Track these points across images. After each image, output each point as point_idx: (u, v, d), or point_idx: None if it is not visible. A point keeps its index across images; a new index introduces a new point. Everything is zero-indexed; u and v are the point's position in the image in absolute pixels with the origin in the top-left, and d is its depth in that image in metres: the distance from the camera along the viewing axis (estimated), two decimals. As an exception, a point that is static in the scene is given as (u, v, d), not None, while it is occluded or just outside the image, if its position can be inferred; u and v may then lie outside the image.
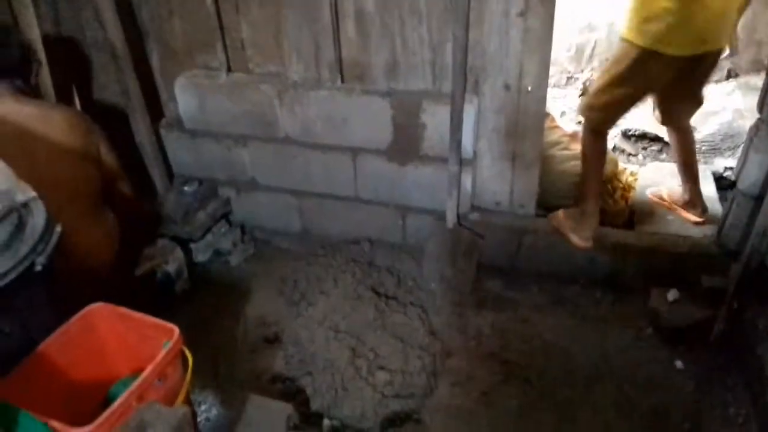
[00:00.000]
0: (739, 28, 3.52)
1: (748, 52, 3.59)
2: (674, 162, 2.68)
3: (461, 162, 2.33)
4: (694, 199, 2.59)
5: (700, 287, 2.22)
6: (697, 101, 2.47)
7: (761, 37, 3.53)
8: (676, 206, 2.65)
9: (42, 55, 2.46)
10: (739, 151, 2.94)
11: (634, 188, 2.72)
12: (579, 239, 2.37)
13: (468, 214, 2.51)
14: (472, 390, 2.09)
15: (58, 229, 1.66)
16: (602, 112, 2.30)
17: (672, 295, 2.24)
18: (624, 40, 2.16)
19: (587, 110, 2.36)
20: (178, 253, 2.49)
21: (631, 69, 2.15)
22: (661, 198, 2.72)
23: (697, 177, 2.60)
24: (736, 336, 2.08)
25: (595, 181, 2.40)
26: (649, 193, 2.72)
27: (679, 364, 2.11)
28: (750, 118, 3.05)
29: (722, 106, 3.26)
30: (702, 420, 1.92)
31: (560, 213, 2.46)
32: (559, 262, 2.47)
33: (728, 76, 3.60)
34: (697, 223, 2.52)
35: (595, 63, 3.94)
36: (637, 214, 2.61)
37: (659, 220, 2.52)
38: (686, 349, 2.15)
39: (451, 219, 2.43)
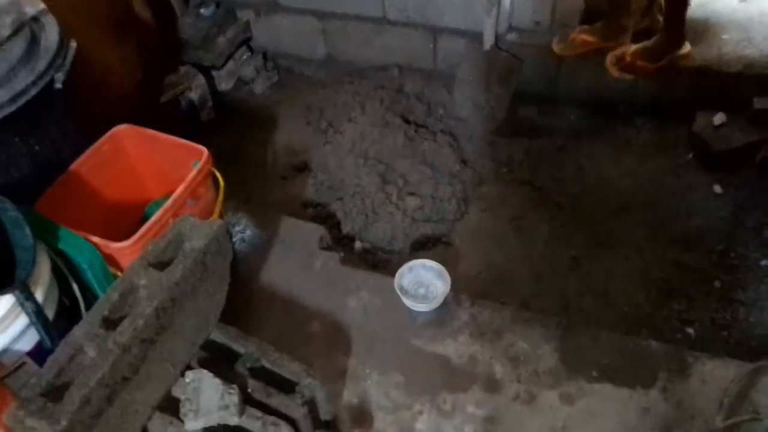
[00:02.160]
0: None
1: None
2: None
3: (502, -28, 2.10)
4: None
5: (750, 110, 2.10)
6: None
7: None
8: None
9: None
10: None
11: (689, 4, 2.46)
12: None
13: (505, 34, 2.33)
14: (503, 215, 2.09)
15: (74, 44, 1.59)
16: None
17: (718, 118, 2.12)
18: None
19: None
20: (201, 80, 2.41)
21: None
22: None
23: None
24: (783, 161, 2.00)
25: None
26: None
27: (717, 188, 2.05)
28: None
29: None
30: (735, 241, 1.91)
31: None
32: (600, 87, 2.33)
33: None
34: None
35: None
36: (688, 32, 2.39)
37: (713, 37, 2.31)
38: (727, 174, 2.08)
39: (488, 40, 2.26)
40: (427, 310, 1.65)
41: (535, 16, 2.30)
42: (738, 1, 2.45)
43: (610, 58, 2.23)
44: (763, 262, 1.85)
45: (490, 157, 2.27)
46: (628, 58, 2.21)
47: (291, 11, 2.56)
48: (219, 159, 2.11)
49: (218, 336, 1.38)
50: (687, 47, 2.19)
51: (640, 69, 2.19)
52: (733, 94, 2.15)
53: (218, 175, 1.70)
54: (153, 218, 1.48)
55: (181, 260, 1.26)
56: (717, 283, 1.82)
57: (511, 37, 2.33)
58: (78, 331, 1.16)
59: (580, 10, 2.26)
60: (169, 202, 1.53)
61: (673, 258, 1.90)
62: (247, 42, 2.68)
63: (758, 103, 2.07)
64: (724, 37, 2.31)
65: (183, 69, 2.42)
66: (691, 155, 2.17)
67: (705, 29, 2.33)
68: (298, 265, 1.78)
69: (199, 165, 1.61)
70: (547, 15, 2.29)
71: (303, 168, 2.31)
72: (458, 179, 2.17)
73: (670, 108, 2.28)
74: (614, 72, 2.22)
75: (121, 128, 1.72)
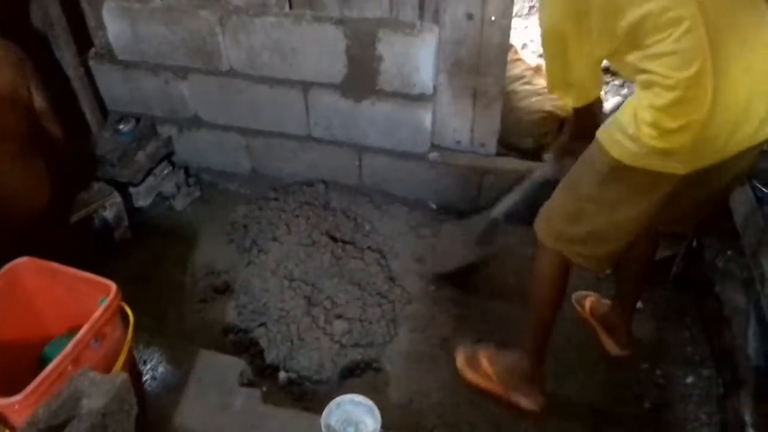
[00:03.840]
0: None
1: None
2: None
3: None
4: (619, 328, 1.92)
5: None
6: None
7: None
8: (595, 324, 2.01)
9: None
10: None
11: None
12: (528, 403, 1.78)
13: (427, 153, 2.39)
14: (432, 336, 2.04)
15: (-31, 176, 1.46)
16: (586, 245, 1.50)
17: (632, 234, 2.21)
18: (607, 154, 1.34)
19: (557, 240, 1.55)
20: (116, 197, 2.30)
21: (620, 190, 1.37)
22: (582, 306, 2.09)
23: (635, 305, 1.93)
24: (695, 276, 2.08)
25: (546, 328, 1.72)
26: (574, 298, 2.11)
27: (638, 304, 2.10)
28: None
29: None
30: (660, 359, 1.93)
31: (484, 360, 1.87)
32: (519, 203, 2.39)
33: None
34: (617, 357, 1.92)
35: (558, -8, 3.77)
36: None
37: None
38: (646, 289, 2.14)
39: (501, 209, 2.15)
40: (357, 452, 1.53)
41: (456, 135, 2.39)
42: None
43: None
44: (689, 380, 1.87)
45: (418, 274, 2.25)
46: None
47: (215, 127, 2.54)
48: (132, 281, 1.98)
49: (118, 508, 1.21)
50: None
51: None
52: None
53: (128, 310, 1.57)
54: (48, 369, 1.32)
55: (76, 425, 1.12)
56: (647, 404, 1.82)
57: (433, 156, 2.39)
58: None
59: (497, 131, 2.35)
60: (69, 347, 1.38)
61: (603, 378, 1.89)
62: (168, 157, 2.62)
63: (667, 219, 2.18)
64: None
65: (97, 186, 2.31)
66: (609, 270, 2.23)
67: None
68: (215, 406, 1.64)
69: (106, 302, 1.48)
70: (466, 134, 2.38)
71: (224, 290, 2.20)
72: (387, 299, 2.12)
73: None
74: None
75: (20, 262, 1.58)
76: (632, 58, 1.28)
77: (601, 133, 1.36)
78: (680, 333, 2.01)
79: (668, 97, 1.20)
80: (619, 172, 1.32)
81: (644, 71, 1.26)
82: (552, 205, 1.55)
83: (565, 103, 1.57)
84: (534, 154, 2.41)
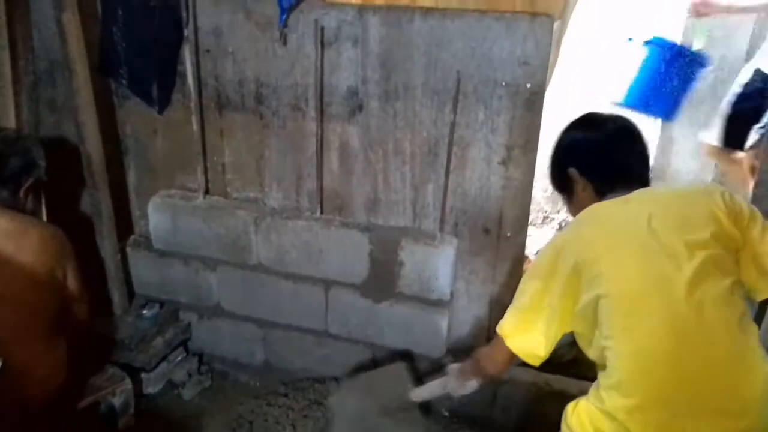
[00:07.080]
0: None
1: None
2: None
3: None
4: None
5: None
6: None
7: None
8: None
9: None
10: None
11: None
12: None
13: (442, 357, 2.39)
14: None
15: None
16: None
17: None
18: None
19: None
20: (127, 384, 2.27)
21: None
22: None
23: None
24: None
25: None
26: None
27: None
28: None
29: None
30: None
31: None
32: (538, 415, 2.34)
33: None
34: None
35: (568, 205, 4.03)
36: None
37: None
38: None
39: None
40: None
41: (472, 341, 2.41)
42: None
43: None
44: None
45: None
46: None
47: (234, 317, 2.59)
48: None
49: None
50: None
51: None
52: None
53: None
54: None
55: None
56: None
57: (447, 360, 2.39)
58: None
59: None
60: None
61: None
62: (184, 343, 2.64)
63: None
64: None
65: (110, 371, 2.30)
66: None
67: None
68: None
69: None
70: (482, 341, 2.40)
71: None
72: None
73: None
74: None
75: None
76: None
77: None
78: None
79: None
80: None
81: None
82: None
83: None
84: (555, 366, 2.39)
